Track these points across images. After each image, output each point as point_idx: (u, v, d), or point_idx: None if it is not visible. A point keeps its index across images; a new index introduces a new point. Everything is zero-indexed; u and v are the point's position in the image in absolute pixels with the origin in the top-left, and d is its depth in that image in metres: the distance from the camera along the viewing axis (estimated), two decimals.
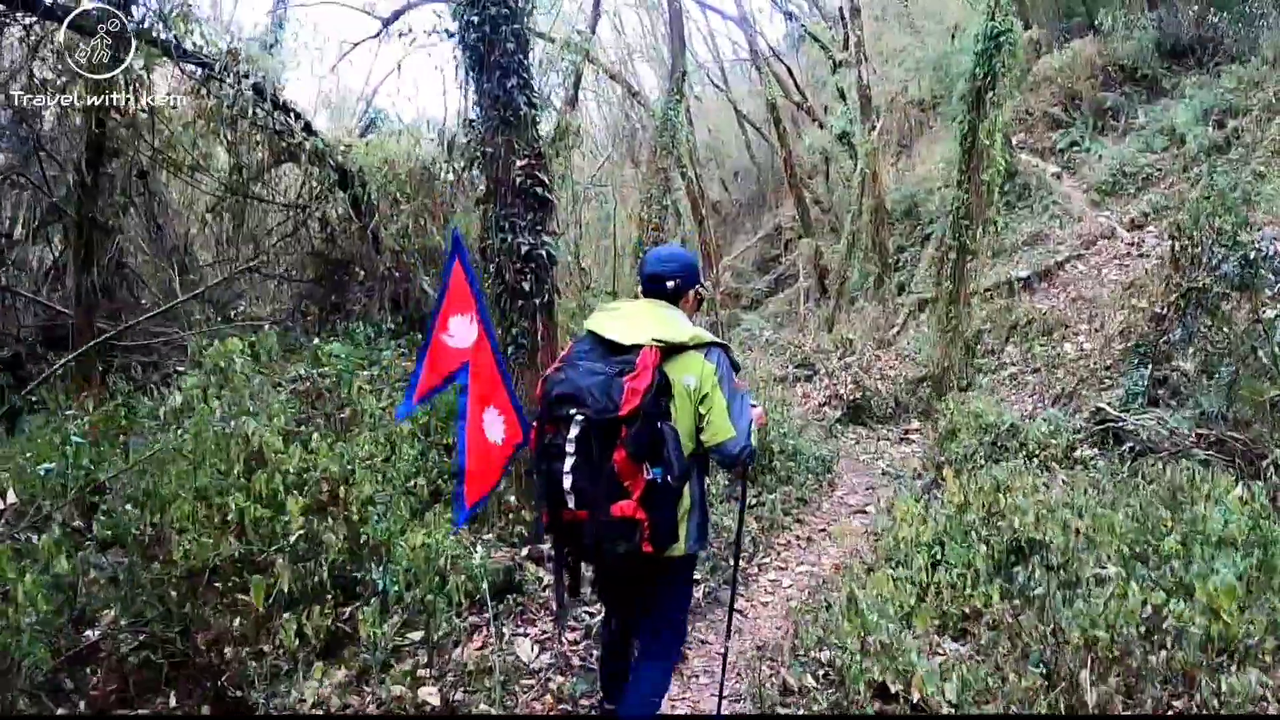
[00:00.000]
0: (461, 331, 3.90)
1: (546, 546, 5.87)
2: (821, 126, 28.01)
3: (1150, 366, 8.58)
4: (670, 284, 3.70)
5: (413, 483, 5.92)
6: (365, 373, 7.02)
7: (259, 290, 10.52)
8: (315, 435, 5.44)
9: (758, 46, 27.56)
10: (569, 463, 3.30)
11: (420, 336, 6.36)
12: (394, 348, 7.90)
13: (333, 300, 9.56)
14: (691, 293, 3.79)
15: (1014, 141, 19.95)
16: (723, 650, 4.36)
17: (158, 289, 9.70)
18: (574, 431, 3.29)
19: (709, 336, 3.60)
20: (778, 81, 28.20)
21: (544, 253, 6.80)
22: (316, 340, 7.63)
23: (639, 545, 3.34)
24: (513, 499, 6.41)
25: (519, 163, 6.69)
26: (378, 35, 15.48)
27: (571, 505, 3.34)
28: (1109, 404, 8.91)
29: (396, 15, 15.61)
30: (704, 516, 3.67)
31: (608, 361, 3.43)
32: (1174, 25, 19.14)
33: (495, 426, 3.90)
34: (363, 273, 9.52)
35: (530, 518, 6.29)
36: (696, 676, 5.20)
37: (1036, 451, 8.17)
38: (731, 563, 5.33)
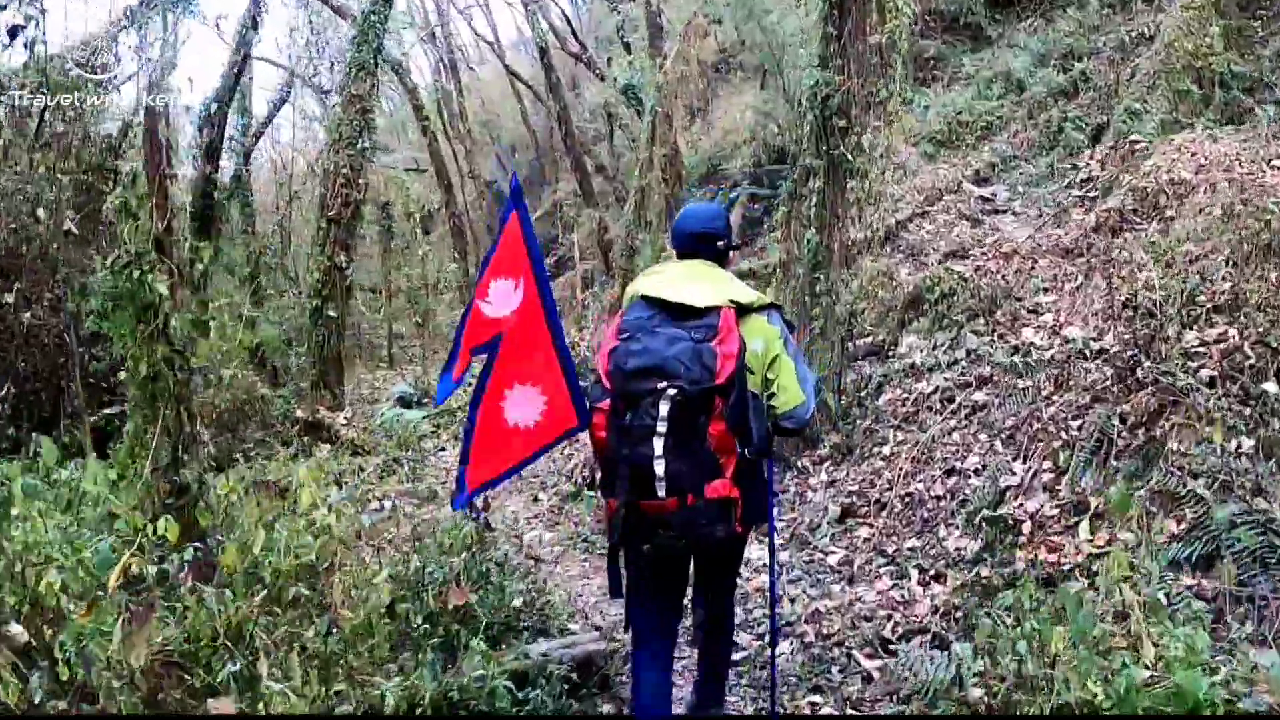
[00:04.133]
0: (502, 297, 3.17)
1: None
2: (603, 79, 22.55)
3: None
4: (720, 243, 3.27)
5: None
6: None
7: None
8: None
9: None
10: (660, 444, 2.76)
11: None
12: None
13: None
14: (734, 254, 3.45)
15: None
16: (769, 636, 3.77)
17: None
18: (665, 408, 2.77)
19: (768, 298, 3.17)
20: (551, 29, 22.65)
21: None
22: None
23: (734, 527, 2.92)
24: None
25: None
26: None
27: (662, 493, 2.79)
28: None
29: None
30: (764, 488, 3.19)
31: (685, 327, 2.91)
32: None
33: (522, 407, 3.15)
34: None
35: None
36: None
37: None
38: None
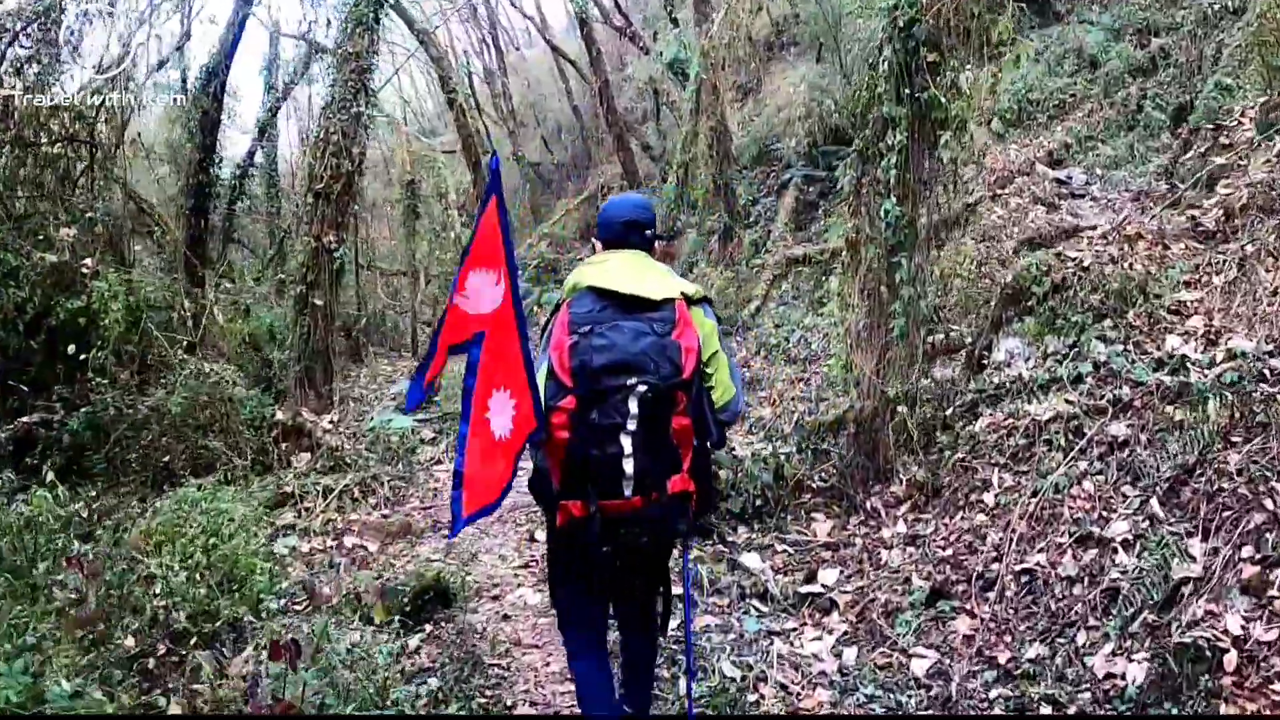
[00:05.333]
0: (481, 292, 2.73)
1: None
2: (647, 52, 20.90)
3: None
4: (649, 232, 3.09)
5: None
6: None
7: None
8: None
9: None
10: (630, 442, 2.65)
11: None
12: None
13: None
14: (659, 244, 3.14)
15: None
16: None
17: None
18: (635, 405, 2.64)
19: (703, 290, 3.02)
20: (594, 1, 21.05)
21: None
22: None
23: (690, 519, 2.87)
24: None
25: None
26: None
27: (628, 492, 2.68)
28: None
29: None
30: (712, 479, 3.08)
31: (643, 320, 2.76)
32: None
33: (500, 416, 2.71)
34: None
35: None
36: None
37: None
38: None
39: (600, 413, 2.66)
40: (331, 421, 8.56)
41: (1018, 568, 4.03)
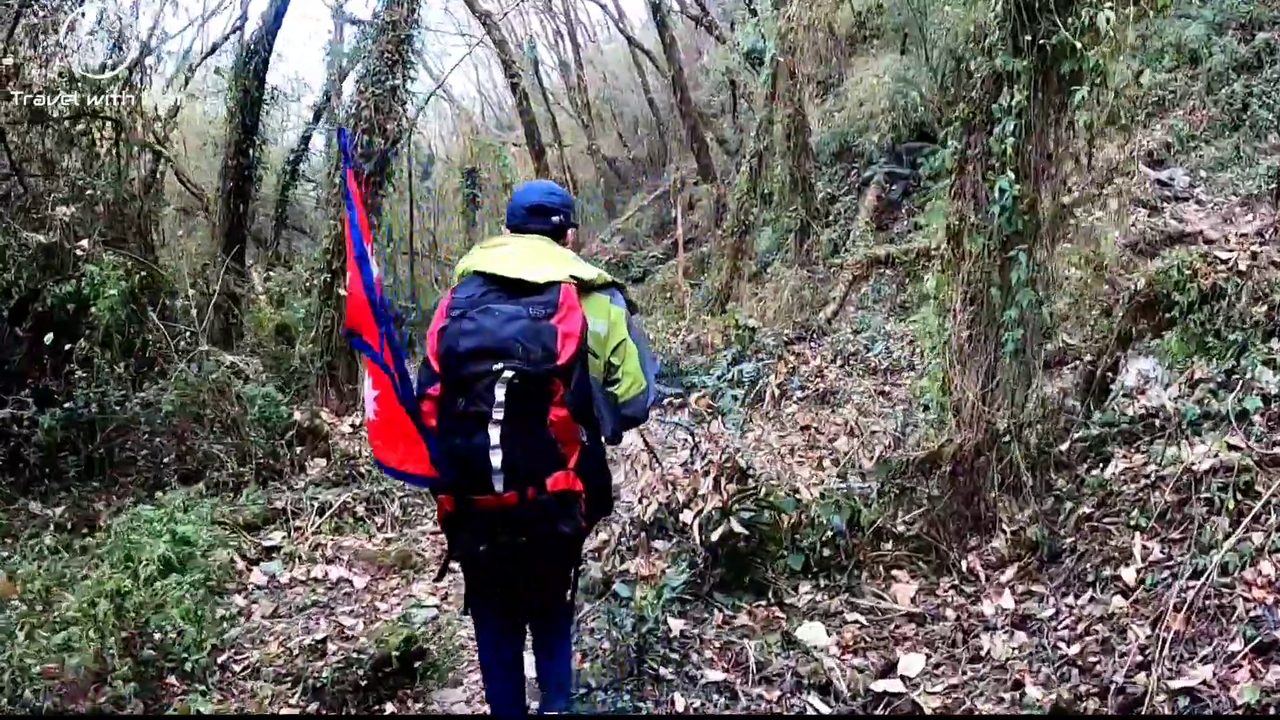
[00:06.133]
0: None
1: None
2: (724, 42, 19.80)
3: None
4: (556, 219, 2.90)
5: None
6: None
7: None
8: None
9: None
10: (496, 432, 2.44)
11: None
12: None
13: None
14: (571, 232, 2.97)
15: (973, 66, 13.41)
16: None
17: None
18: (501, 392, 2.44)
19: (609, 276, 2.82)
20: None
21: None
22: None
23: (579, 523, 2.63)
24: None
25: None
26: None
27: (499, 487, 2.46)
28: None
29: None
30: (608, 480, 2.89)
31: (522, 304, 2.56)
32: None
33: (370, 395, 2.62)
34: None
35: None
36: None
37: None
38: None
39: (466, 401, 2.49)
40: (353, 425, 7.71)
41: (1174, 684, 2.87)
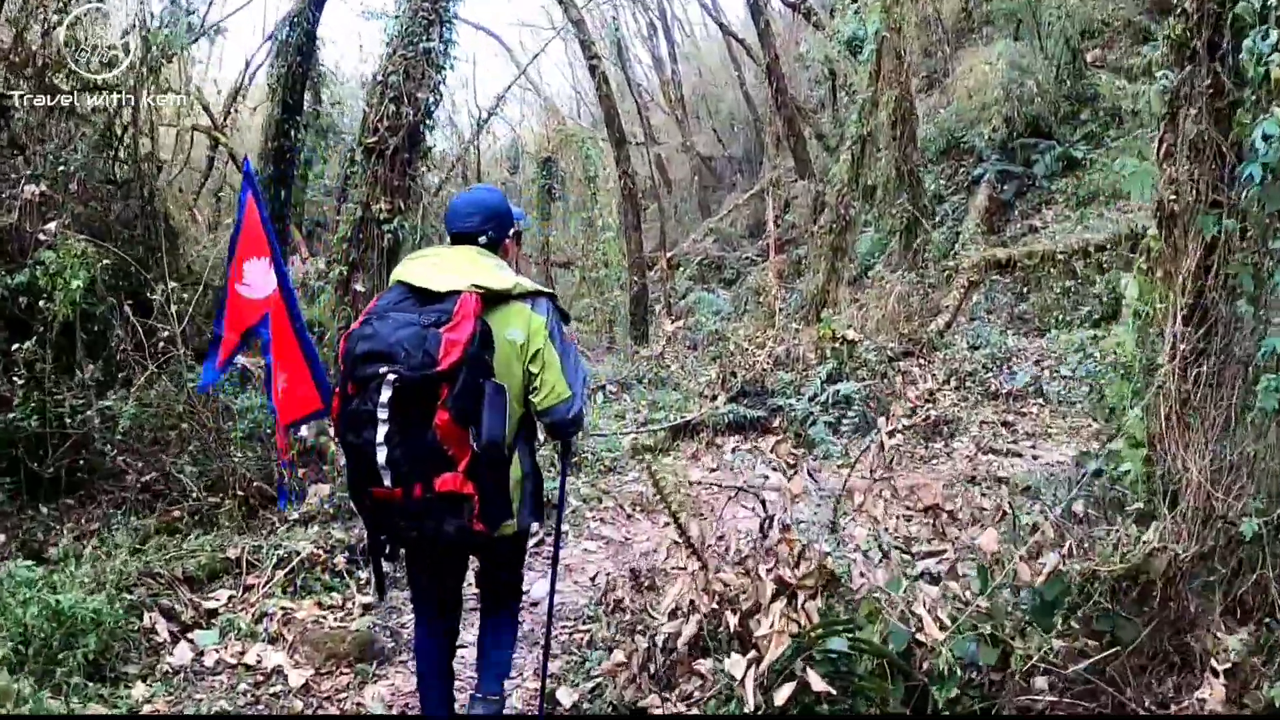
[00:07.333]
0: (258, 279, 3.32)
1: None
2: (820, 28, 18.19)
3: None
4: (482, 239, 2.97)
5: None
6: None
7: None
8: None
9: None
10: (382, 431, 2.56)
11: None
12: None
13: None
14: (508, 240, 3.09)
15: (1089, 58, 14.56)
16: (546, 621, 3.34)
17: None
18: (386, 394, 2.56)
19: (533, 285, 2.93)
20: None
21: None
22: None
23: (469, 523, 2.65)
24: None
25: None
26: None
27: (387, 482, 2.59)
28: None
29: None
30: (537, 486, 3.02)
31: (421, 312, 2.70)
32: None
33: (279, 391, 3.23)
34: None
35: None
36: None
37: None
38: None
39: (359, 400, 2.60)
40: None
41: None
